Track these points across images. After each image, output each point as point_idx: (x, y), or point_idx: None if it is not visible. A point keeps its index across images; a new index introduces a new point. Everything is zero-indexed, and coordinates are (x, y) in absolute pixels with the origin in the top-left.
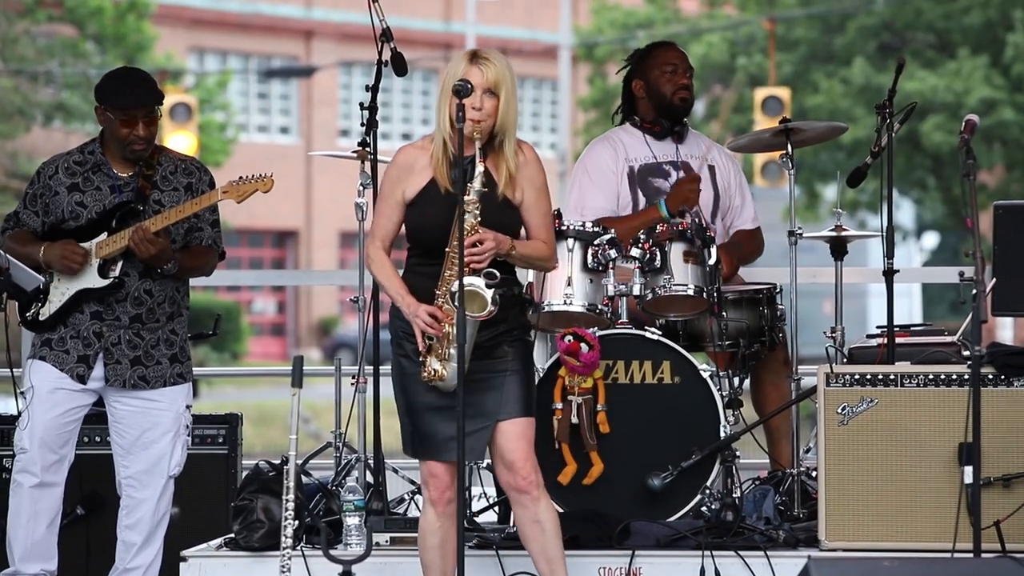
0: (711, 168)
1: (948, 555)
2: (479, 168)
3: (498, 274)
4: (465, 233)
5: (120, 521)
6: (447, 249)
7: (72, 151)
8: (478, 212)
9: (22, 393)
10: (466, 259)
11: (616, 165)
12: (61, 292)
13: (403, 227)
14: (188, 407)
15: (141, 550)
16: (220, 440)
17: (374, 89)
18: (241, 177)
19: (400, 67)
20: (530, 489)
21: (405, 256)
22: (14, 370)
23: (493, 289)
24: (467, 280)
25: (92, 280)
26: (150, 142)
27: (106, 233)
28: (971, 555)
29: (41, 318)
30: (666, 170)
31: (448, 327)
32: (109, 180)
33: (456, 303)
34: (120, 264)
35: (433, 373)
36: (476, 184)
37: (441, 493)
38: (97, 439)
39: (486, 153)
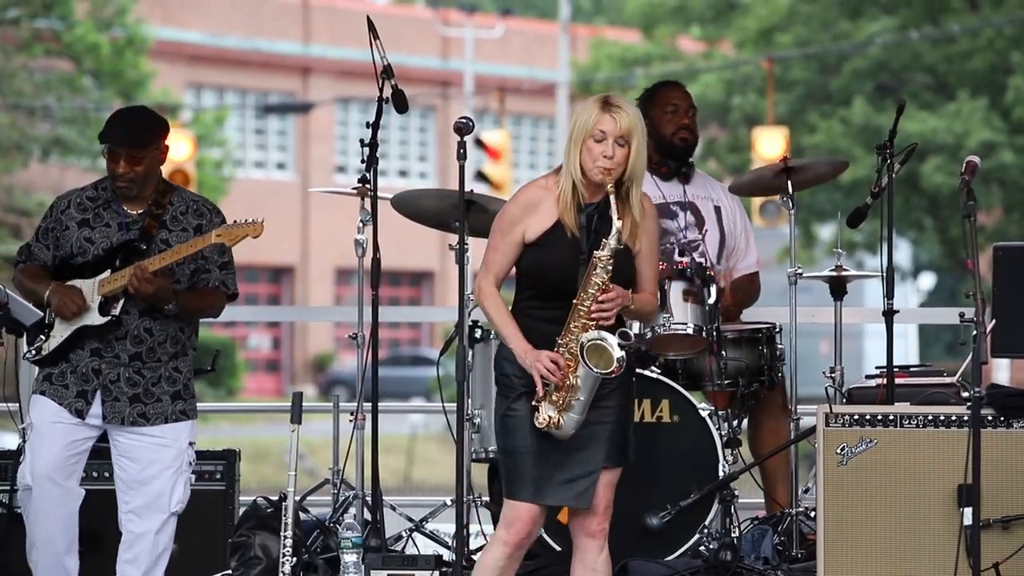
0: (717, 209)
1: None
2: (616, 225)
3: (632, 334)
4: (596, 288)
5: (120, 556)
6: (575, 301)
7: (87, 187)
8: (610, 268)
9: (24, 425)
10: (594, 315)
11: None
12: (63, 328)
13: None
14: (191, 444)
15: None
16: (218, 476)
17: (375, 126)
18: (235, 221)
19: (401, 104)
20: (600, 536)
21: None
22: (11, 405)
23: (622, 349)
24: (600, 335)
25: (93, 317)
26: (134, 181)
27: (110, 271)
28: None
29: (43, 353)
30: (673, 211)
31: (571, 378)
32: (118, 217)
33: (584, 356)
34: (121, 302)
35: (549, 420)
36: (612, 241)
37: (521, 538)
38: (95, 475)
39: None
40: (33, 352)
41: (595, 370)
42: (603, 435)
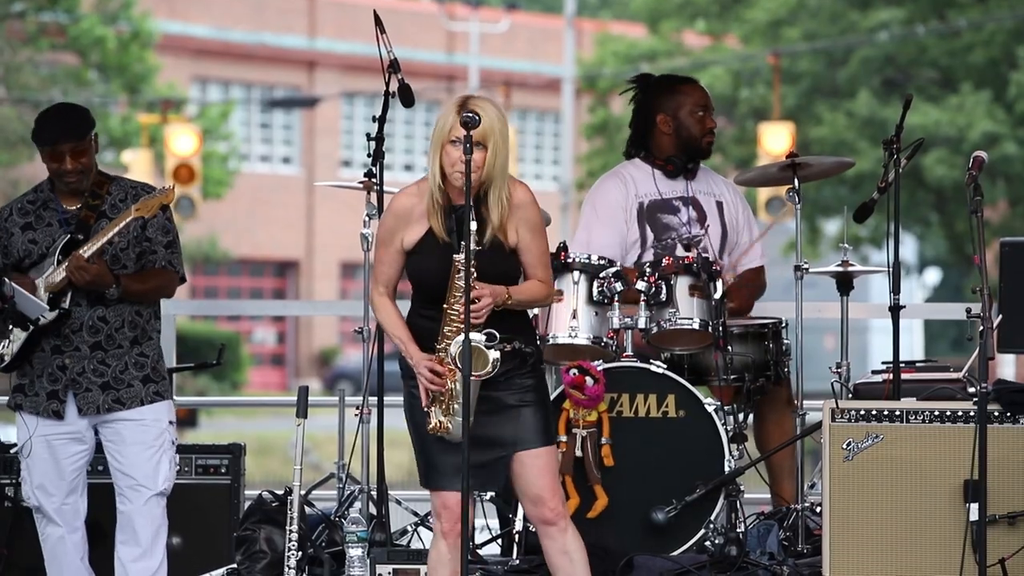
0: (719, 204)
1: None
2: (471, 226)
3: (497, 334)
4: (461, 292)
5: (116, 539)
6: (445, 307)
7: (27, 192)
8: (472, 268)
9: (15, 447)
10: (462, 317)
11: (626, 201)
12: (20, 332)
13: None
14: (171, 423)
15: (137, 562)
16: (223, 470)
17: (381, 120)
18: (148, 193)
19: (407, 98)
20: (557, 520)
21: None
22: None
23: (492, 348)
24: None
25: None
26: (83, 173)
27: (53, 266)
28: None
29: (6, 360)
30: (675, 206)
31: (451, 383)
32: (57, 215)
33: (457, 363)
34: (69, 295)
35: (439, 425)
36: (469, 243)
37: (452, 525)
38: (100, 468)
39: (477, 202)
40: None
41: (472, 374)
42: (516, 417)
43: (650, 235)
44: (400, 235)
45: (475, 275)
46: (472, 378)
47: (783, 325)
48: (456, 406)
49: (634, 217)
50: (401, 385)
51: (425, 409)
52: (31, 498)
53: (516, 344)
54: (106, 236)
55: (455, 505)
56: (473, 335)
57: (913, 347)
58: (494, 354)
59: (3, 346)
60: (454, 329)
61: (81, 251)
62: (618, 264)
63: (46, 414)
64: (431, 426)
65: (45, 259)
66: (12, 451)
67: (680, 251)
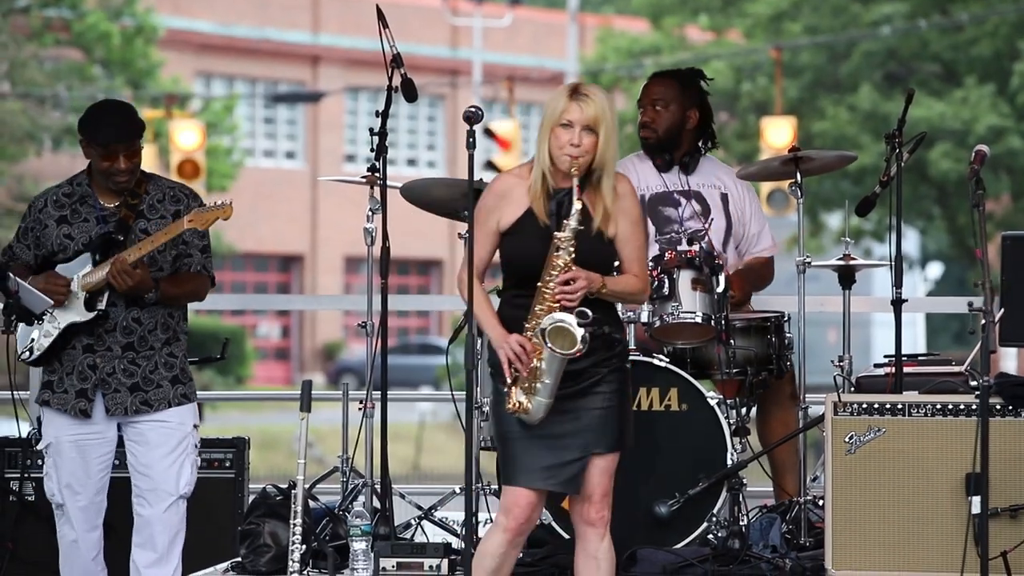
0: (724, 196)
1: None
2: (576, 205)
3: (590, 313)
4: (559, 270)
5: (133, 540)
6: (539, 284)
7: (62, 183)
8: (572, 249)
9: (43, 446)
10: (557, 297)
11: None
12: (53, 328)
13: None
14: (195, 426)
15: (153, 567)
16: (227, 464)
17: (384, 115)
18: (203, 205)
19: (410, 93)
20: (599, 524)
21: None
22: (21, 393)
23: (584, 328)
24: (559, 317)
25: (79, 314)
26: (133, 173)
27: (90, 265)
28: None
29: (36, 354)
30: (676, 199)
31: (536, 361)
32: (95, 211)
33: (546, 339)
34: (106, 296)
35: (518, 405)
36: (572, 222)
37: (520, 524)
38: (116, 462)
39: (583, 188)
40: (27, 354)
41: (558, 351)
42: (593, 421)
43: (652, 229)
44: (497, 215)
45: (573, 257)
46: (559, 355)
47: (785, 319)
48: (539, 385)
49: None
50: (403, 381)
51: (505, 389)
52: (55, 495)
53: (606, 328)
54: (154, 245)
55: (527, 505)
56: (564, 314)
57: (916, 341)
58: (581, 332)
59: (34, 340)
60: (545, 308)
61: (125, 254)
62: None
63: (73, 412)
64: (509, 406)
65: (79, 255)
66: (16, 447)
67: (684, 245)
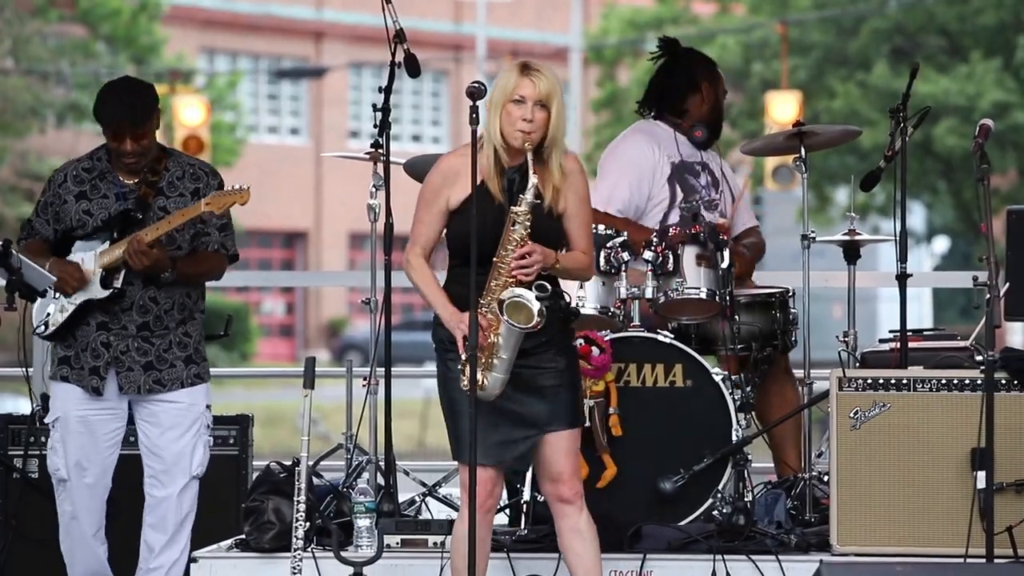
0: (723, 173)
1: (960, 560)
2: (532, 180)
3: (549, 287)
4: (515, 244)
5: (144, 520)
6: (495, 259)
7: (82, 158)
8: (528, 224)
9: (49, 420)
10: (514, 271)
11: (655, 161)
12: (67, 303)
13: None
14: (208, 407)
15: (164, 550)
16: (231, 441)
17: (387, 91)
18: (223, 183)
19: (413, 68)
20: (575, 500)
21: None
22: (29, 369)
23: (541, 302)
24: (516, 291)
25: (95, 291)
26: (142, 155)
27: (108, 242)
28: (984, 560)
29: (51, 329)
30: (697, 170)
31: (492, 336)
32: (114, 188)
33: (503, 313)
34: (123, 274)
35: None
36: (529, 196)
37: (483, 500)
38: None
39: (536, 164)
40: (42, 328)
41: (516, 325)
42: (545, 397)
43: (680, 195)
44: (446, 194)
45: (529, 232)
46: (517, 329)
47: (790, 294)
48: (495, 361)
49: (664, 177)
50: (408, 358)
51: (459, 367)
52: (59, 470)
53: (563, 302)
54: (171, 225)
55: (487, 480)
56: (520, 289)
57: (922, 315)
58: (538, 305)
59: (47, 316)
60: (501, 283)
61: (142, 233)
62: (625, 234)
63: (86, 389)
64: (465, 384)
65: (98, 232)
66: (21, 424)
67: (704, 213)
